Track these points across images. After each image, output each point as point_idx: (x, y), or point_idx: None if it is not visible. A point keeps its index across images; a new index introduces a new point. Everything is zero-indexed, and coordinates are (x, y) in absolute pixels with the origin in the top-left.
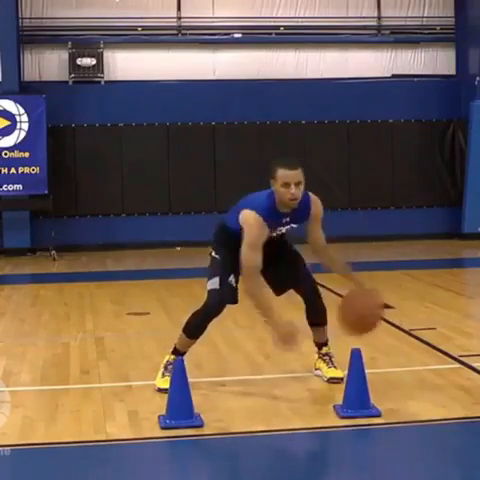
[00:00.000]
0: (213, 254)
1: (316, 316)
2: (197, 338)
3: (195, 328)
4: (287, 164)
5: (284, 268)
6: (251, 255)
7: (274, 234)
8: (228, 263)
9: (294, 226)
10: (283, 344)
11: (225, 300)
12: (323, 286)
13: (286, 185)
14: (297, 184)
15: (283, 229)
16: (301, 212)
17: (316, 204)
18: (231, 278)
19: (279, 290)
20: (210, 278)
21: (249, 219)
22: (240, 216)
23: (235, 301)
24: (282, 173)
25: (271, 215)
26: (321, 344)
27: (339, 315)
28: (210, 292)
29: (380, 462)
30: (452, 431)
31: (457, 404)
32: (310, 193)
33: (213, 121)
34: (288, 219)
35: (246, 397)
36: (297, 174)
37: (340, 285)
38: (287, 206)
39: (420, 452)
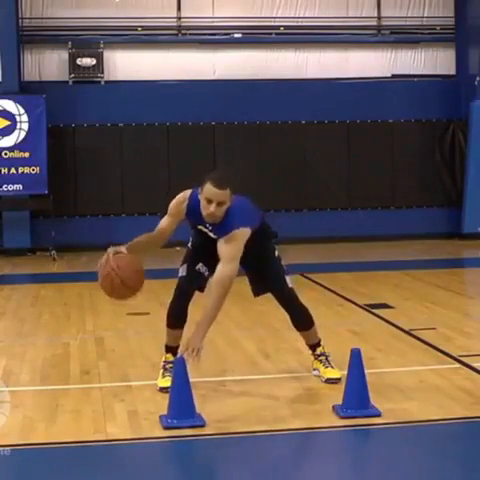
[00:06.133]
0: (188, 244)
1: (297, 322)
2: (181, 327)
3: (173, 317)
4: (216, 182)
5: (255, 272)
6: (163, 218)
7: (204, 231)
8: (198, 252)
9: (216, 236)
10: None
11: (191, 284)
12: (323, 286)
13: (208, 201)
14: (219, 203)
15: (211, 234)
16: (222, 231)
17: (231, 237)
18: (199, 266)
19: (253, 292)
20: (180, 266)
21: (176, 197)
22: None
23: (200, 288)
24: (208, 189)
25: (197, 209)
26: (313, 346)
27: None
28: (178, 278)
29: (380, 462)
30: (452, 431)
31: (457, 404)
32: (241, 229)
33: (213, 121)
34: (210, 227)
35: (246, 397)
36: (222, 194)
37: (340, 285)
38: (205, 218)
39: (420, 452)
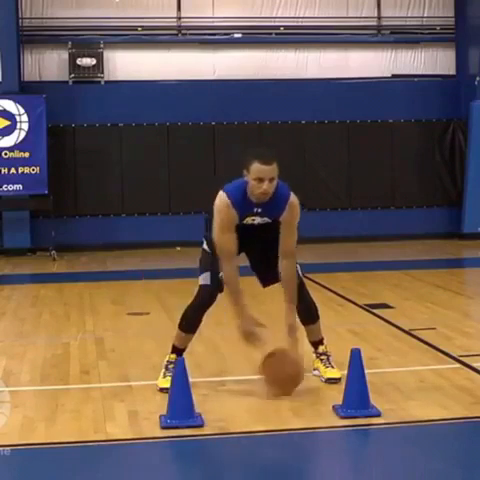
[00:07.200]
0: (204, 246)
1: (304, 314)
2: (193, 332)
3: (190, 322)
4: (263, 159)
5: (267, 261)
6: (221, 237)
7: (250, 222)
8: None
9: (268, 220)
10: (244, 340)
11: (215, 294)
12: (323, 286)
13: (259, 180)
14: (270, 180)
15: (258, 219)
16: (274, 207)
17: (292, 209)
18: (222, 273)
19: (264, 282)
20: (201, 272)
21: (218, 201)
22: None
23: (222, 291)
24: (257, 167)
25: (242, 202)
26: (316, 343)
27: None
28: (201, 287)
29: (380, 462)
30: (452, 431)
31: (457, 404)
32: (292, 195)
33: (213, 121)
34: (260, 210)
35: (246, 397)
36: (272, 170)
37: (340, 285)
38: (257, 199)
39: (420, 452)
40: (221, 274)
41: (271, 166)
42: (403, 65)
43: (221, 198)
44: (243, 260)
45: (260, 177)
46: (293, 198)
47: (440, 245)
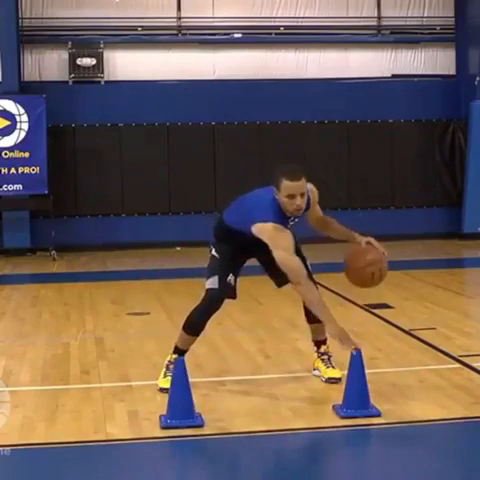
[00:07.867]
0: (213, 252)
1: (312, 313)
2: (198, 335)
3: (195, 325)
4: (292, 175)
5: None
6: (293, 261)
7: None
8: (227, 262)
9: (297, 219)
10: (344, 344)
11: (224, 297)
12: (323, 286)
13: (291, 196)
14: (301, 195)
15: (289, 225)
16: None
17: (314, 193)
18: (230, 277)
19: (279, 282)
20: (209, 277)
21: (268, 231)
22: (254, 230)
23: (234, 297)
24: (287, 185)
25: (283, 221)
26: (319, 342)
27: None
28: (209, 290)
29: (380, 462)
30: (452, 431)
31: (457, 404)
32: (309, 184)
33: (213, 121)
34: (293, 217)
35: (246, 397)
36: (302, 185)
37: (341, 286)
38: (291, 214)
39: (420, 452)
40: (229, 278)
41: (300, 181)
42: (403, 65)
43: (271, 227)
44: (248, 261)
45: (291, 194)
46: (311, 185)
47: (440, 245)
